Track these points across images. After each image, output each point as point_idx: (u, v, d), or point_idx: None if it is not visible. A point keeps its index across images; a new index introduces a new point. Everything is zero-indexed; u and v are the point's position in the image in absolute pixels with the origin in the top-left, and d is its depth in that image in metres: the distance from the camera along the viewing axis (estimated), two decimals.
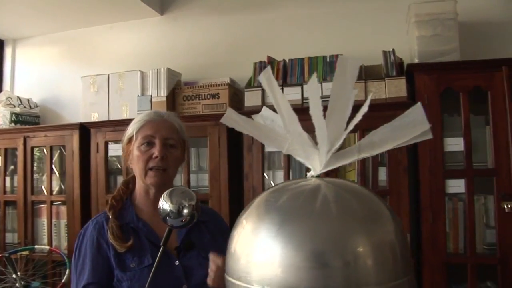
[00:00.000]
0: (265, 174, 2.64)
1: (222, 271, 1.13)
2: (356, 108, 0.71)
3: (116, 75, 3.03)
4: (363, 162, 2.44)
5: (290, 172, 2.61)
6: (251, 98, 2.68)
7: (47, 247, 3.02)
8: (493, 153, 2.28)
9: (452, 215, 2.34)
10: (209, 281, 1.17)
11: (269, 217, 0.68)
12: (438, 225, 2.29)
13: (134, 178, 1.45)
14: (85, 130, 3.00)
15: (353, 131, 0.74)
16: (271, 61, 2.77)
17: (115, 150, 2.94)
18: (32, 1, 3.10)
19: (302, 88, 2.59)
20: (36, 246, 3.06)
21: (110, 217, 1.34)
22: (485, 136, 2.34)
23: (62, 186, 3.16)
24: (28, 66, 3.75)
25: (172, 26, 3.33)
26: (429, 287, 2.28)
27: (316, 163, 0.73)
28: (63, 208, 3.06)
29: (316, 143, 0.73)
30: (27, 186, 3.15)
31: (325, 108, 0.71)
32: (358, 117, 0.68)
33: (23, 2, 3.09)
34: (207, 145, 2.74)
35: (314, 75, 0.68)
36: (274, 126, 0.80)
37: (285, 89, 2.61)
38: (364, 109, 0.66)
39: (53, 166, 3.16)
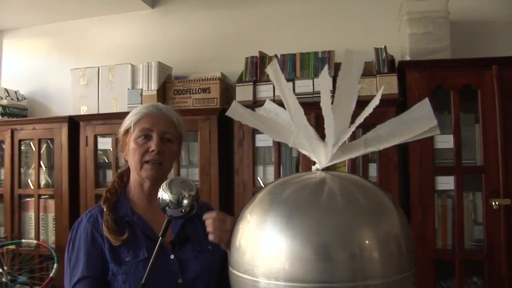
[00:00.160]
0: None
1: (218, 221, 1.12)
2: (358, 103, 0.71)
3: (106, 68, 3.00)
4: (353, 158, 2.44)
5: (281, 168, 2.61)
6: (242, 93, 2.67)
7: (34, 241, 2.97)
8: (482, 150, 2.31)
9: (441, 212, 2.37)
10: (210, 237, 1.14)
11: (274, 211, 0.68)
12: (428, 221, 2.31)
13: (128, 170, 1.43)
14: (74, 123, 2.96)
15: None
16: (262, 56, 2.76)
17: (104, 143, 2.91)
18: None
19: (294, 84, 2.59)
20: (23, 240, 3.02)
21: (105, 210, 1.32)
22: (474, 134, 2.37)
23: (49, 179, 3.12)
24: (16, 58, 3.69)
25: (163, 20, 3.30)
26: (417, 282, 2.29)
27: (321, 157, 0.73)
28: (51, 202, 3.02)
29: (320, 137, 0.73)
30: (14, 180, 3.09)
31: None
32: (369, 110, 0.67)
33: None
34: (197, 139, 2.73)
35: (326, 68, 0.68)
36: (277, 119, 0.79)
37: None
38: (376, 102, 0.66)
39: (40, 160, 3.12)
